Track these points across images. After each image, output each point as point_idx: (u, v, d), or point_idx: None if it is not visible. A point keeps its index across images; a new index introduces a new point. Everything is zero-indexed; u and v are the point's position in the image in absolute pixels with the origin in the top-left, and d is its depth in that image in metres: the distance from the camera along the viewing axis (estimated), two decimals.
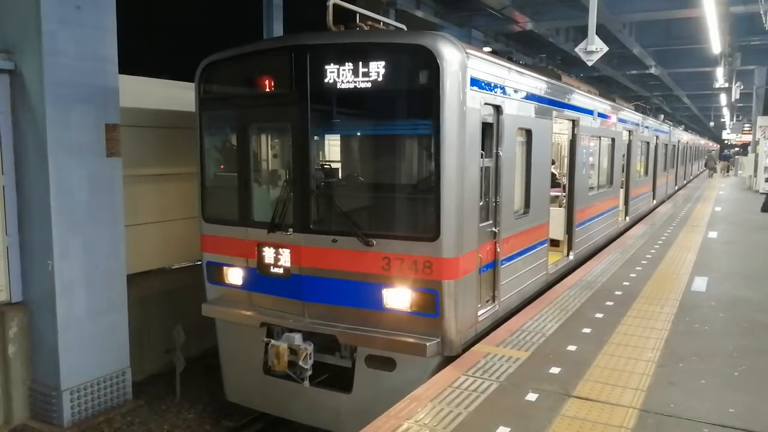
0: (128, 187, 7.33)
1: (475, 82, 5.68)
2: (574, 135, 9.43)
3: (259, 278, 6.33)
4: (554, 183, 10.04)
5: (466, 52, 5.57)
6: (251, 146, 6.61)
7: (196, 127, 6.76)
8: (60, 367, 6.58)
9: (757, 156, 26.62)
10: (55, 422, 6.68)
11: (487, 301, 6.44)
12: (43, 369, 6.77)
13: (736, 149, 51.99)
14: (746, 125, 36.73)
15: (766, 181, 25.22)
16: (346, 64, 5.61)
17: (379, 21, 6.77)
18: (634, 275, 9.01)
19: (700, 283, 8.54)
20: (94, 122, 6.76)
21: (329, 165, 6.62)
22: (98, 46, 6.78)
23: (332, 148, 7.01)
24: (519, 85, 6.95)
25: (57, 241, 6.44)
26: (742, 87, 27.84)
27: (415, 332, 5.63)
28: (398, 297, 5.64)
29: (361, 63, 5.55)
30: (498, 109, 6.36)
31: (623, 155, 13.47)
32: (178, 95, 8.29)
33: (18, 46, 6.45)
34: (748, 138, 34.80)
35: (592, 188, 10.78)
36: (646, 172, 17.20)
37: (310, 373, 6.01)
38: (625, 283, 8.47)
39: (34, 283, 6.72)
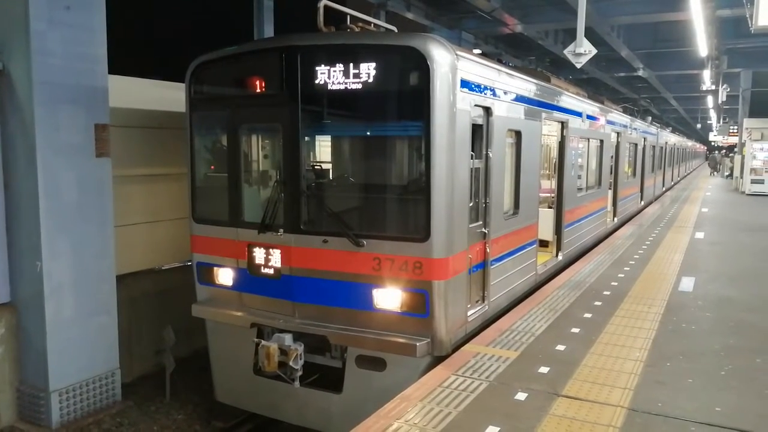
0: (118, 187, 7.30)
1: (465, 83, 5.71)
2: (563, 137, 9.50)
3: (250, 279, 6.33)
4: None
5: (456, 54, 5.60)
6: (242, 147, 6.60)
7: (187, 127, 6.75)
8: (48, 368, 6.54)
9: (743, 158, 26.90)
10: (44, 424, 6.63)
11: (477, 302, 6.48)
12: (31, 370, 6.73)
13: (723, 151, 52.96)
14: (733, 127, 37.09)
15: (752, 183, 25.51)
16: (337, 65, 5.63)
17: (369, 23, 6.80)
18: (622, 275, 9.08)
19: (687, 284, 8.63)
20: (83, 122, 6.72)
21: (320, 166, 6.62)
22: (87, 47, 6.74)
23: (323, 149, 7.02)
24: (508, 87, 6.99)
25: (46, 241, 6.40)
26: (728, 89, 28.10)
27: (406, 332, 5.65)
28: (389, 297, 5.66)
29: (351, 64, 5.57)
30: (488, 110, 6.40)
31: (611, 157, 13.58)
32: (168, 95, 8.26)
33: (6, 46, 6.41)
34: (734, 140, 35.14)
35: (580, 189, 10.86)
36: (634, 174, 17.33)
37: (300, 373, 6.02)
38: (613, 283, 8.54)
39: (22, 284, 6.67)
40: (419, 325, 5.61)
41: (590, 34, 12.72)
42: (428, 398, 4.69)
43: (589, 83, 29.67)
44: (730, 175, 40.87)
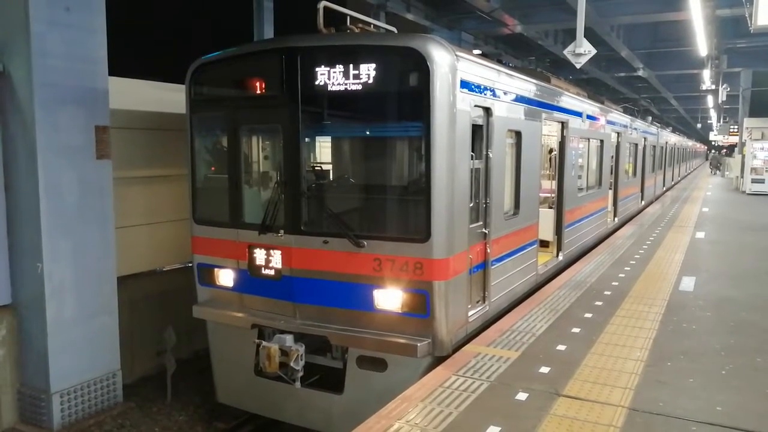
0: (118, 189, 7.31)
1: (465, 84, 5.72)
2: (563, 137, 9.50)
3: (250, 280, 6.34)
4: None
5: (456, 55, 5.61)
6: (242, 148, 6.61)
7: (187, 129, 6.75)
8: (49, 369, 6.54)
9: (743, 157, 26.90)
10: (45, 425, 6.64)
11: (478, 302, 6.48)
12: (32, 372, 6.73)
13: (724, 151, 53.33)
14: (733, 127, 37.10)
15: (752, 182, 25.51)
16: (337, 66, 5.63)
17: (369, 24, 6.80)
18: (623, 275, 9.08)
19: (688, 283, 8.63)
20: (83, 124, 6.73)
21: (320, 167, 6.63)
22: (88, 48, 6.75)
23: (323, 150, 7.02)
24: (508, 87, 7.00)
25: (46, 243, 6.41)
26: (728, 89, 28.07)
27: (406, 333, 5.65)
28: (389, 298, 5.66)
29: (351, 65, 5.57)
30: (488, 111, 6.40)
31: (612, 157, 13.58)
32: (168, 97, 8.27)
33: (6, 47, 6.41)
34: (734, 139, 35.15)
35: (581, 189, 10.86)
36: (635, 174, 17.34)
37: (301, 374, 6.02)
38: (614, 283, 8.54)
39: (23, 286, 6.67)
40: (420, 326, 5.61)
41: (590, 34, 12.73)
42: (429, 398, 4.70)
43: (589, 83, 29.66)
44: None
